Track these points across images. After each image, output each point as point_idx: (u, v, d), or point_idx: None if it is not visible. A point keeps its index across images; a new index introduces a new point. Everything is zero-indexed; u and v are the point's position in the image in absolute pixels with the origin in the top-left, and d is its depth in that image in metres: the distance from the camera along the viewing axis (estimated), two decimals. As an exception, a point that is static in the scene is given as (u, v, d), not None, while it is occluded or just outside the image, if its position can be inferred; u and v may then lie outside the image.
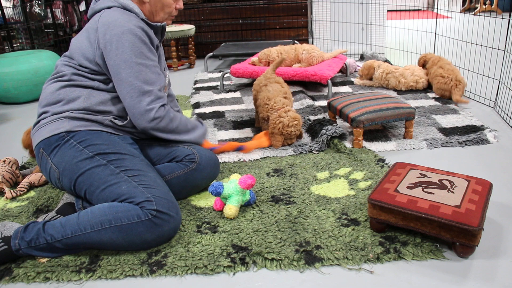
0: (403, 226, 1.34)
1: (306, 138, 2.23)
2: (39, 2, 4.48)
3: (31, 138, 1.60)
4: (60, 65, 1.60)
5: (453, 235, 1.26)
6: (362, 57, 4.07)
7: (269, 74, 2.32)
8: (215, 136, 2.35)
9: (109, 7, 1.55)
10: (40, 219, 1.49)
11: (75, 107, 1.54)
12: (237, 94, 3.16)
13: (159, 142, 1.73)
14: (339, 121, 2.43)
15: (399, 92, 2.97)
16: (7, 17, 4.22)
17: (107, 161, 1.45)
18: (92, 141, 1.49)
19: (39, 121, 1.57)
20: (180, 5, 1.69)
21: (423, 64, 3.10)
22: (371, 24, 4.23)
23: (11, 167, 1.92)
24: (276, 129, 2.06)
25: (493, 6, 6.80)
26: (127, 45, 1.49)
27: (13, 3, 4.47)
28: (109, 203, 1.38)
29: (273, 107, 2.10)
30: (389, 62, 3.86)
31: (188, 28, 4.12)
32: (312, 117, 2.46)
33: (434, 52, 3.28)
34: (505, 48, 2.57)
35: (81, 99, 1.54)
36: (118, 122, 1.59)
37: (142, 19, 1.58)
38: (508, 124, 2.32)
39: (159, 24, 1.65)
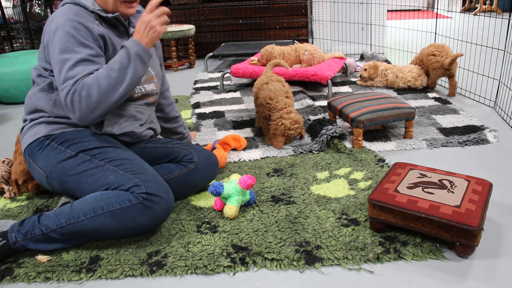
0: (403, 226, 1.34)
1: (306, 138, 2.23)
2: (39, 2, 4.48)
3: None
4: (32, 69, 1.61)
5: (453, 235, 1.26)
6: (362, 57, 4.07)
7: (270, 73, 2.32)
8: (215, 136, 2.35)
9: (63, 4, 1.51)
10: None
11: (47, 114, 1.54)
12: (237, 94, 3.16)
13: (155, 144, 1.73)
14: (339, 121, 2.43)
15: (399, 91, 2.97)
16: (7, 17, 4.22)
17: (91, 156, 1.45)
18: (73, 140, 1.50)
19: (23, 128, 1.60)
20: None
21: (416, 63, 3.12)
22: (371, 24, 4.23)
23: (11, 167, 1.92)
24: (278, 131, 2.07)
25: (493, 6, 6.80)
26: (56, 42, 1.40)
27: (13, 3, 4.47)
28: (101, 192, 1.39)
29: (275, 106, 2.10)
30: (388, 62, 3.86)
31: (188, 28, 4.12)
32: (312, 117, 2.46)
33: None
34: (505, 48, 2.57)
35: (49, 105, 1.53)
36: (97, 130, 1.54)
37: (93, 11, 1.48)
38: (508, 124, 2.32)
39: (110, 15, 1.51)
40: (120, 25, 1.59)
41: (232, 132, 2.39)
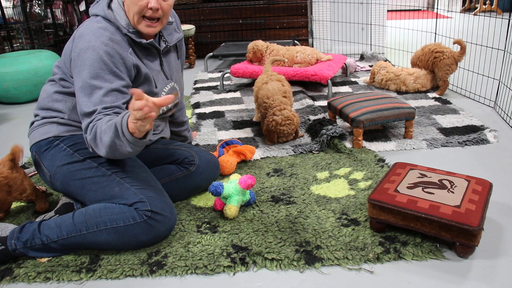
0: (403, 226, 1.34)
1: (306, 138, 2.23)
2: (39, 2, 4.48)
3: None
4: (54, 67, 1.60)
5: (453, 235, 1.26)
6: (362, 57, 4.07)
7: (270, 72, 2.34)
8: (215, 136, 2.35)
9: (96, 15, 1.47)
10: (38, 220, 1.50)
11: (61, 115, 1.54)
12: (237, 94, 3.16)
13: (156, 145, 1.73)
14: (339, 121, 2.43)
15: (399, 92, 2.96)
16: (7, 17, 4.21)
17: (98, 164, 1.44)
18: (82, 144, 1.48)
19: (33, 123, 1.59)
20: (153, 3, 1.40)
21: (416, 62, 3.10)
22: (371, 24, 4.23)
23: None
24: (270, 127, 2.09)
25: (493, 6, 6.80)
26: (87, 63, 1.37)
27: (13, 3, 4.46)
28: (104, 204, 1.38)
29: (270, 105, 2.13)
30: (389, 62, 3.85)
31: (188, 28, 4.12)
32: (312, 117, 2.46)
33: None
34: (505, 48, 2.57)
35: (67, 108, 1.53)
36: None
37: (127, 34, 1.44)
38: (508, 124, 2.32)
39: (144, 41, 1.48)
40: (153, 48, 1.56)
41: (232, 132, 2.39)
